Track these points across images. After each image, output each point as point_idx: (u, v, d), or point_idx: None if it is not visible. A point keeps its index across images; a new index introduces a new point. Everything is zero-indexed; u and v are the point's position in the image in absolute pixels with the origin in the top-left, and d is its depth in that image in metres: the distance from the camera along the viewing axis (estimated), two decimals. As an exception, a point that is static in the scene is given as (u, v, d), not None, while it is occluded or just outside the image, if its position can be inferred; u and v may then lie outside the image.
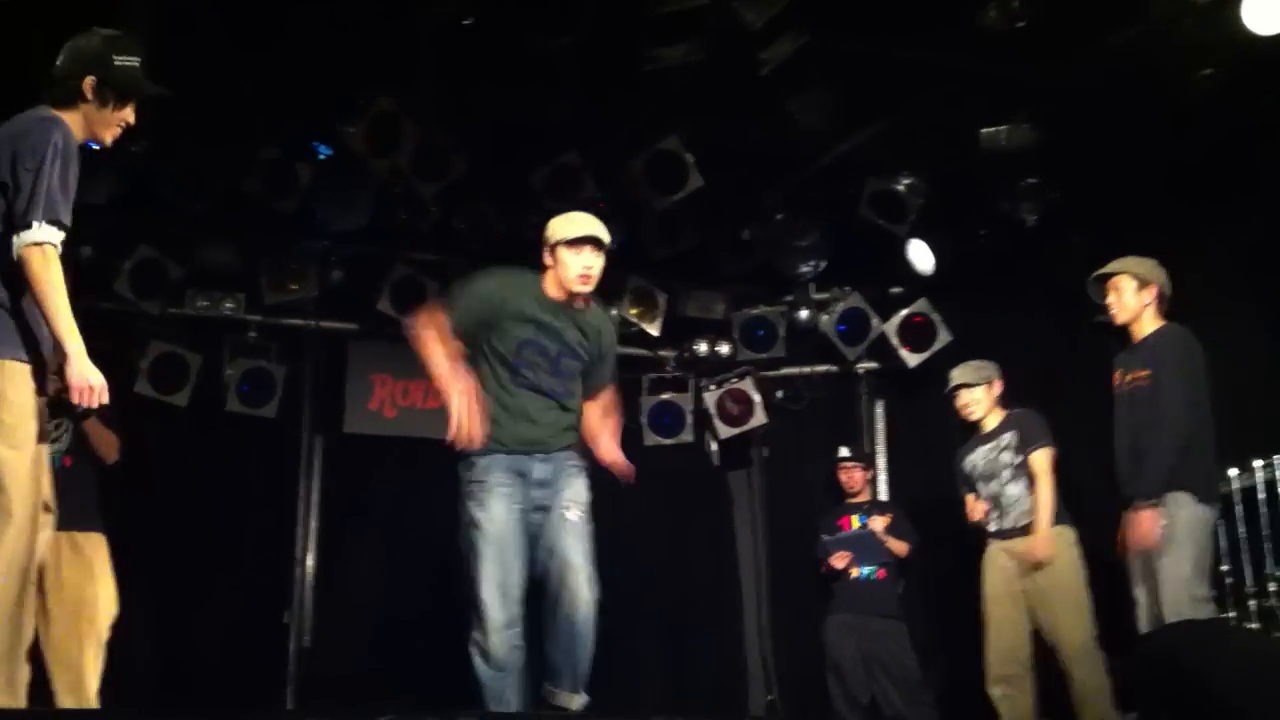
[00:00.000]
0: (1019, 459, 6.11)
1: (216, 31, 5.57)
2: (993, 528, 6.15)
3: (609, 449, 4.78)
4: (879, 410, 8.36)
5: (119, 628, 6.78)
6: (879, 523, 7.21)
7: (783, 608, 8.11)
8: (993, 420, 6.27)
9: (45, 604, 5.28)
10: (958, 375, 6.37)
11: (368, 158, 6.48)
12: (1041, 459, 6.04)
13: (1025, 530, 6.02)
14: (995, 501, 6.15)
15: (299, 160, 6.78)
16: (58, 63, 3.60)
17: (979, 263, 7.66)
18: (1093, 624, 5.85)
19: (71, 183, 3.44)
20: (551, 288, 4.61)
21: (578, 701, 4.42)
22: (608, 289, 7.71)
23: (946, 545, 7.57)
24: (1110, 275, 5.31)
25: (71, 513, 5.04)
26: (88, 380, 3.38)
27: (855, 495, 7.47)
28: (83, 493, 5.51)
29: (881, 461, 8.24)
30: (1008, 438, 6.18)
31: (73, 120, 3.57)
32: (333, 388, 7.73)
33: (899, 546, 7.17)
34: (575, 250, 4.52)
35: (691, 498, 8.33)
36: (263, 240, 7.29)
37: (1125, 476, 5.19)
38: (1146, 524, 4.96)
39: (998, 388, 6.31)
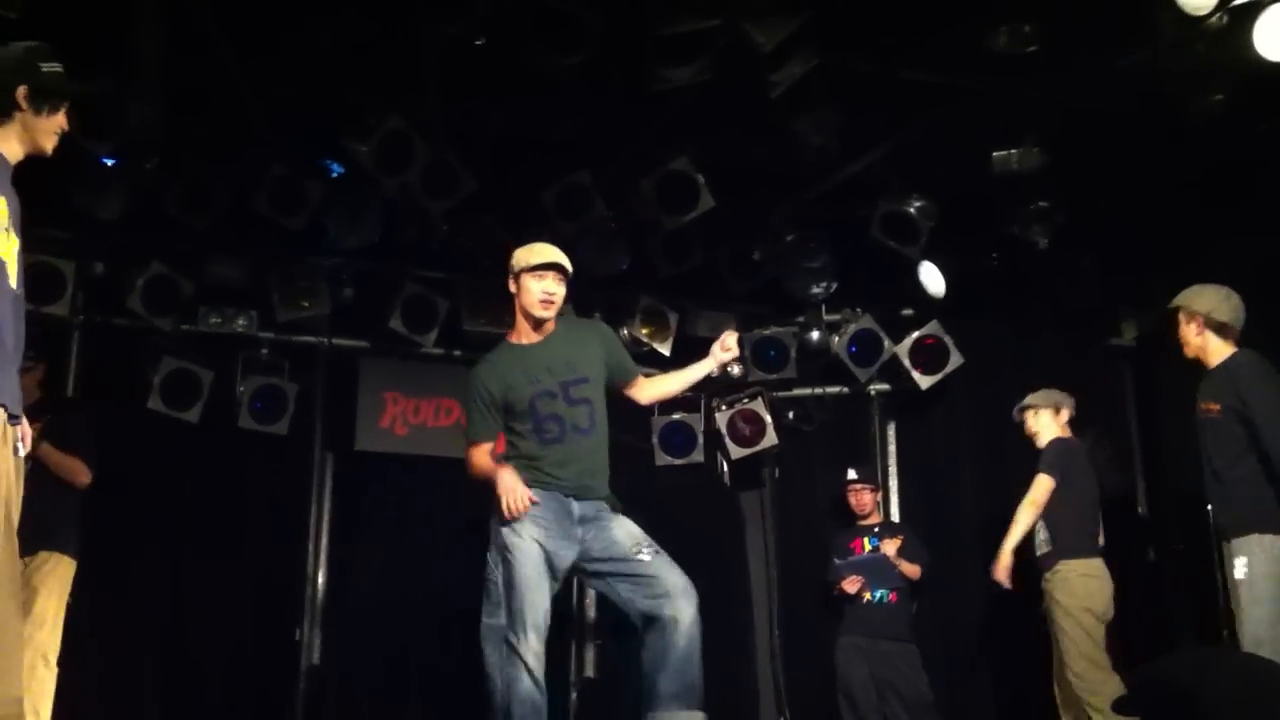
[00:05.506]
0: None
1: (227, 49, 5.61)
2: None
3: (701, 364, 4.90)
4: (891, 432, 8.33)
5: (128, 639, 6.83)
6: (891, 546, 7.18)
7: (794, 629, 8.07)
8: None
9: None
10: (1026, 398, 6.40)
11: (378, 175, 6.50)
12: (1035, 483, 6.06)
13: (1043, 560, 6.06)
14: None
15: (310, 178, 6.82)
16: None
17: (990, 285, 7.64)
18: (1087, 653, 5.82)
19: None
20: (518, 329, 4.69)
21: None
22: (618, 308, 7.80)
23: (957, 565, 7.57)
24: (1174, 311, 5.16)
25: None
26: None
27: (865, 517, 7.44)
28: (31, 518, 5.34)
29: (893, 483, 8.20)
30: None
31: (9, 134, 3.47)
32: (344, 405, 7.72)
33: (911, 569, 7.14)
34: (539, 277, 4.59)
35: (702, 518, 8.29)
36: (274, 257, 7.32)
37: (1215, 502, 5.02)
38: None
39: (1064, 415, 6.32)
